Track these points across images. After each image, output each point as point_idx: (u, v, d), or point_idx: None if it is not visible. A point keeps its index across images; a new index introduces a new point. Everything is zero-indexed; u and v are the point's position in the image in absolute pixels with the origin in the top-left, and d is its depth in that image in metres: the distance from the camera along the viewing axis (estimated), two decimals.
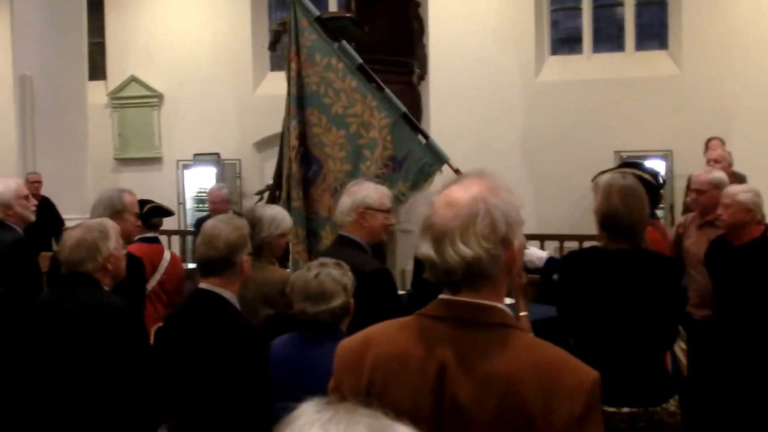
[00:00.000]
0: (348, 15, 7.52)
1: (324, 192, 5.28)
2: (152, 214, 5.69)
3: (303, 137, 5.34)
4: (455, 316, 1.81)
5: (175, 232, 12.08)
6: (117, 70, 15.10)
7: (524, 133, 12.42)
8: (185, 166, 14.14)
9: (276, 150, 12.03)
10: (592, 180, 4.29)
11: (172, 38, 14.57)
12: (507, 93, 12.37)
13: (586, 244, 7.02)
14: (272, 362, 3.24)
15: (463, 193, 1.81)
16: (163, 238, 11.41)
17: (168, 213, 5.88)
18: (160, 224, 5.86)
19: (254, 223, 3.99)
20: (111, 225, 3.57)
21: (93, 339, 3.27)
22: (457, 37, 12.10)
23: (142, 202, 5.37)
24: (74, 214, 8.83)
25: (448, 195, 1.82)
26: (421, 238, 1.83)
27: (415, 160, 5.15)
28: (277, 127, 11.70)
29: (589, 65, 12.66)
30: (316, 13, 5.48)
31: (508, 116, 12.34)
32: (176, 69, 14.49)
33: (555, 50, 13.00)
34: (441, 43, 11.40)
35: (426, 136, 5.30)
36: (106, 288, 3.45)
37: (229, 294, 3.30)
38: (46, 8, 10.22)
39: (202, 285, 3.32)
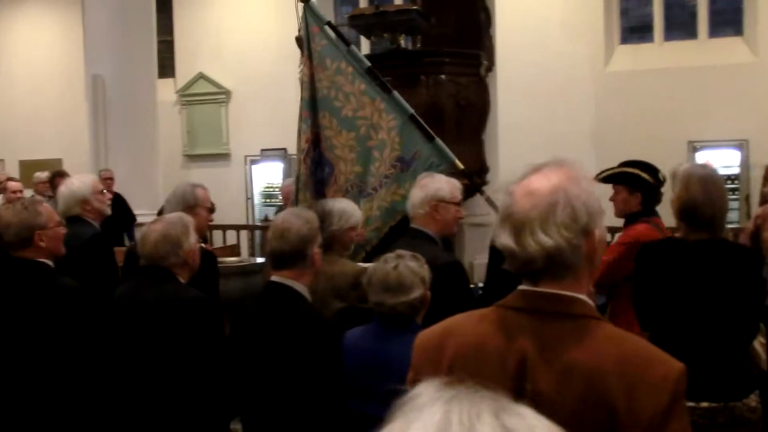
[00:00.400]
0: (414, 7, 7.46)
1: (336, 193, 5.32)
2: None
3: (317, 140, 5.44)
4: (536, 307, 1.77)
5: (243, 227, 12.18)
6: (185, 67, 15.30)
7: (594, 124, 12.23)
8: (253, 162, 14.26)
9: None
10: (596, 177, 4.32)
11: (239, 35, 14.71)
12: (576, 84, 12.20)
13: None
14: (346, 355, 3.22)
15: (543, 182, 1.77)
16: (232, 233, 11.60)
17: None
18: None
19: (324, 216, 3.97)
20: (189, 220, 3.63)
21: (170, 331, 3.31)
22: (524, 27, 11.96)
23: None
24: (145, 210, 8.95)
25: (528, 184, 1.78)
26: (500, 227, 1.79)
27: (422, 161, 5.20)
28: None
29: (660, 54, 12.41)
30: (326, 19, 5.63)
31: (578, 107, 12.17)
32: (243, 65, 14.61)
33: (625, 39, 12.78)
34: (508, 34, 11.26)
35: (432, 137, 5.32)
36: (183, 281, 3.49)
37: (300, 287, 3.30)
38: (116, 8, 10.38)
39: (274, 278, 3.32)
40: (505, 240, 1.77)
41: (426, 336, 1.99)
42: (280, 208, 7.25)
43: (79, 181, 4.92)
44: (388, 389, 3.06)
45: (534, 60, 11.98)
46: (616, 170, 4.64)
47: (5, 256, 3.75)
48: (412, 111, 5.37)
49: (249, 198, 14.00)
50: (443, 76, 7.40)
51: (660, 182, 4.52)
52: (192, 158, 15.00)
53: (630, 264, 3.88)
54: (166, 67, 14.66)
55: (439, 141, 5.32)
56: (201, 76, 14.98)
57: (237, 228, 11.73)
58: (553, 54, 12.12)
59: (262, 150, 14.25)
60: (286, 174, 13.73)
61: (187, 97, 15.12)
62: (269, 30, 14.48)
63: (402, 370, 3.06)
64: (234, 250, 9.86)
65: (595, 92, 12.22)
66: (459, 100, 7.39)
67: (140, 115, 10.44)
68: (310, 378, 3.13)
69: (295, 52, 14.48)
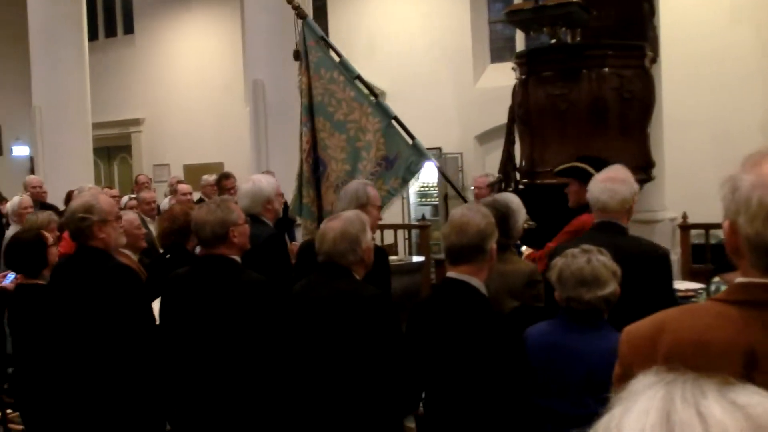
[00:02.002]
0: (575, 0, 7.25)
1: (328, 189, 5.88)
2: None
3: (314, 142, 5.99)
4: (762, 300, 1.68)
5: (400, 226, 12.20)
6: None
7: (764, 117, 11.58)
8: None
9: (498, 143, 11.95)
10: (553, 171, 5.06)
11: (393, 36, 14.79)
12: (745, 74, 11.61)
13: None
14: (530, 351, 3.19)
15: None
16: (389, 232, 11.64)
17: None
18: None
19: (508, 213, 4.03)
20: (366, 218, 3.67)
21: (349, 328, 3.34)
22: (689, 16, 11.48)
23: None
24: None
25: None
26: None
27: (403, 159, 5.76)
28: (498, 120, 11.68)
29: None
30: (321, 33, 6.26)
31: (747, 99, 11.57)
32: (397, 66, 14.69)
33: None
34: (673, 24, 10.84)
35: (412, 137, 5.87)
36: (359, 278, 3.53)
37: (477, 282, 3.28)
38: (275, 14, 10.58)
39: (451, 274, 3.31)
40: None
41: (636, 331, 1.93)
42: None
43: (267, 181, 5.10)
44: (576, 385, 2.95)
45: (700, 50, 11.49)
46: (569, 165, 5.22)
47: (181, 252, 3.86)
48: (394, 114, 5.93)
49: (404, 197, 14.02)
50: (606, 69, 7.16)
51: None
52: None
53: None
54: None
55: (417, 141, 5.87)
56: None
57: (394, 227, 11.76)
58: (720, 43, 11.58)
59: None
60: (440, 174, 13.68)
61: None
62: (422, 29, 14.50)
63: (590, 365, 2.99)
64: (391, 249, 9.88)
65: (764, 83, 11.56)
66: (623, 93, 7.14)
67: (299, 118, 10.57)
68: (492, 374, 3.11)
69: (450, 51, 14.50)
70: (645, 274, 3.46)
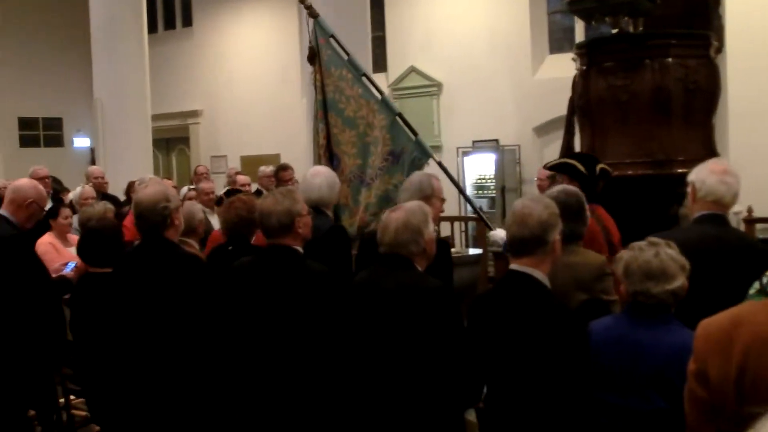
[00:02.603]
0: None
1: (342, 183, 5.83)
2: None
3: (329, 137, 6.21)
4: None
5: (456, 219, 12.15)
6: (397, 61, 15.48)
7: None
8: (465, 153, 14.21)
9: (556, 135, 11.81)
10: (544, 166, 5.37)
11: (450, 27, 14.71)
12: None
13: None
14: (594, 345, 3.13)
15: None
16: (446, 224, 11.59)
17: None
18: None
19: (576, 203, 3.97)
20: (428, 209, 3.62)
21: (410, 319, 3.31)
22: (755, 5, 11.18)
23: (230, 193, 6.67)
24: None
25: None
26: None
27: (408, 154, 5.97)
28: (557, 111, 11.53)
29: None
30: (331, 31, 6.41)
31: None
32: (454, 57, 14.60)
33: None
34: (738, 12, 10.60)
35: (415, 134, 6.09)
36: (420, 270, 3.49)
37: (540, 275, 3.23)
38: (332, 7, 10.56)
39: (513, 266, 3.27)
40: None
41: (711, 325, 1.92)
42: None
43: (332, 174, 5.09)
44: (642, 380, 2.89)
45: (766, 40, 11.16)
46: (560, 161, 5.35)
47: (244, 244, 3.86)
48: (398, 111, 6.15)
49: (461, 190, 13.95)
50: (670, 59, 7.01)
51: (594, 174, 5.11)
52: None
53: None
54: (379, 61, 14.85)
55: (420, 137, 6.09)
56: (412, 70, 15.12)
57: (450, 219, 11.72)
58: None
59: (474, 141, 14.18)
60: (499, 165, 13.58)
61: (399, 91, 15.29)
62: (480, 20, 14.39)
63: (657, 361, 2.93)
64: (448, 241, 9.82)
65: None
66: (687, 83, 6.98)
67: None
68: (555, 369, 3.06)
69: (508, 42, 14.40)
70: (748, 268, 3.34)
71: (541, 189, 7.01)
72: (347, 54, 6.33)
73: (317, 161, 6.23)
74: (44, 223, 7.53)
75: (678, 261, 3.04)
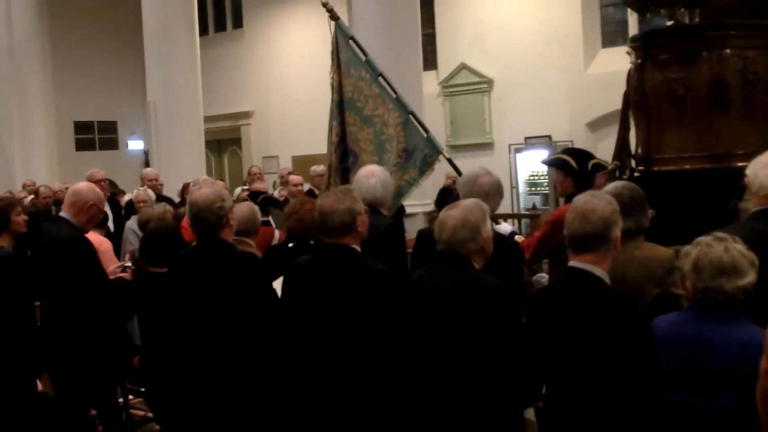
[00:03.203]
0: None
1: None
2: (266, 203, 7.40)
3: (344, 135, 6.47)
4: None
5: (509, 216, 12.06)
6: (448, 58, 15.43)
7: None
8: (517, 150, 14.11)
9: (609, 130, 11.65)
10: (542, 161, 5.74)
11: (500, 23, 14.62)
12: None
13: None
14: (659, 342, 3.07)
15: None
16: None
17: (277, 203, 7.35)
18: (271, 211, 7.51)
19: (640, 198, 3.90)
20: (486, 207, 3.58)
21: (470, 317, 3.28)
22: None
23: (253, 195, 7.19)
24: (414, 201, 9.03)
25: None
26: None
27: (419, 152, 6.23)
28: (610, 106, 11.38)
29: None
30: (351, 33, 6.76)
31: None
32: (505, 53, 14.51)
33: None
34: None
35: (426, 131, 6.29)
36: (477, 267, 3.46)
37: (601, 272, 3.17)
38: (382, 5, 10.60)
39: (573, 263, 3.22)
40: None
41: None
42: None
43: (386, 174, 5.13)
44: (711, 378, 2.81)
45: None
46: (555, 156, 5.60)
47: (304, 243, 3.85)
48: (411, 109, 6.38)
49: (514, 187, 13.86)
50: (728, 51, 6.82)
51: (586, 169, 5.36)
52: (455, 148, 15.09)
53: (554, 240, 4.57)
54: (429, 59, 14.80)
55: (431, 135, 6.31)
56: (463, 67, 15.06)
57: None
58: None
59: (526, 138, 14.08)
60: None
61: (450, 88, 15.25)
62: (530, 16, 14.28)
63: (727, 358, 2.86)
64: (520, 244, 9.76)
65: None
66: (747, 75, 6.79)
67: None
68: (617, 367, 3.02)
69: (559, 37, 14.27)
70: None
71: (597, 185, 6.92)
72: (365, 55, 6.55)
73: (329, 157, 6.60)
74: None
75: (747, 256, 2.97)
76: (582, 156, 5.54)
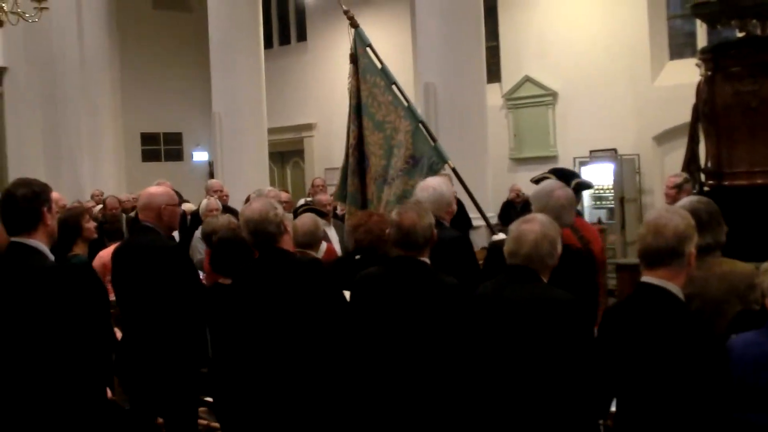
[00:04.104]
0: None
1: (370, 180, 6.58)
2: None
3: (361, 138, 6.69)
4: None
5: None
6: (511, 71, 15.33)
7: None
8: (582, 163, 13.93)
9: (677, 143, 11.46)
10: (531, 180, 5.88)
11: (565, 35, 14.48)
12: None
13: None
14: (735, 361, 3.00)
15: None
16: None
17: (322, 214, 7.24)
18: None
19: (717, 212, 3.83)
20: (556, 223, 3.57)
21: (542, 331, 3.26)
22: None
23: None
24: (476, 214, 8.97)
25: None
26: None
27: (426, 159, 6.37)
28: (678, 119, 11.20)
29: None
30: (368, 41, 6.92)
31: None
32: (570, 66, 14.36)
33: None
34: None
35: (434, 140, 6.45)
36: (545, 281, 3.45)
37: (675, 288, 3.10)
38: (446, 18, 10.57)
39: (645, 278, 3.15)
40: None
41: None
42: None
43: (446, 185, 5.14)
44: None
45: None
46: (542, 175, 5.81)
47: (372, 255, 3.85)
48: (421, 119, 6.61)
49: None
50: None
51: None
52: (519, 161, 14.99)
53: None
54: (492, 71, 14.71)
55: (438, 144, 6.44)
56: (527, 80, 14.94)
57: None
58: None
59: (591, 151, 13.89)
60: (617, 175, 13.26)
61: (514, 101, 15.15)
62: (596, 28, 14.12)
63: None
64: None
65: None
66: None
67: (470, 121, 10.53)
68: (693, 387, 2.95)
69: (626, 49, 14.08)
70: None
71: (668, 197, 6.81)
72: (381, 63, 6.80)
73: (345, 159, 6.83)
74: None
75: None
76: (566, 175, 5.76)
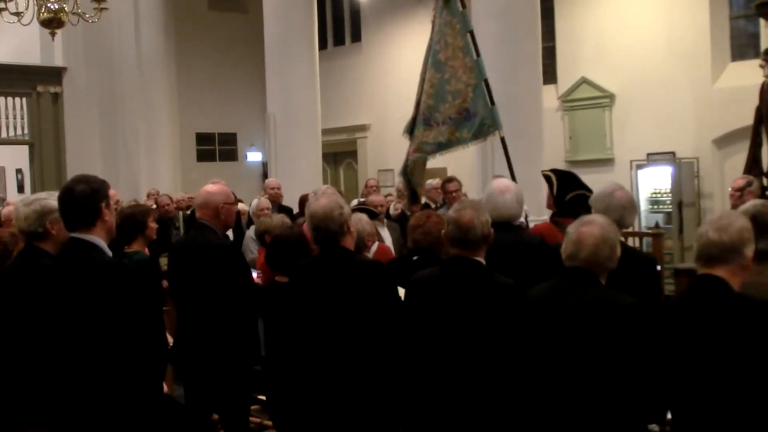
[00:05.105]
0: None
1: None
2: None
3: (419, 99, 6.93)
4: None
5: (631, 234, 11.69)
6: (568, 72, 15.16)
7: None
8: (639, 167, 13.72)
9: (738, 147, 11.22)
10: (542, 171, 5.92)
11: (623, 36, 14.28)
12: None
13: None
14: None
15: None
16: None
17: (374, 214, 7.26)
18: None
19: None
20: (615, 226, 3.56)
21: (603, 335, 3.25)
22: None
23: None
24: (533, 217, 8.91)
25: None
26: None
27: (480, 117, 6.51)
28: (739, 122, 10.97)
29: None
30: None
31: None
32: (627, 67, 14.16)
33: None
34: None
35: (493, 102, 6.54)
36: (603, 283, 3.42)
37: (733, 285, 3.08)
38: (503, 18, 10.50)
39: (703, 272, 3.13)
40: None
41: None
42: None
43: (519, 189, 4.99)
44: None
45: None
46: (545, 172, 5.83)
47: (431, 256, 3.82)
48: (486, 76, 6.61)
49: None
50: None
51: (563, 197, 5.54)
52: (575, 164, 14.78)
53: None
54: (548, 73, 14.57)
55: (496, 108, 6.53)
56: (584, 81, 14.76)
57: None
58: None
59: (649, 154, 13.67)
60: (675, 179, 13.02)
61: (570, 103, 14.98)
62: (655, 29, 13.89)
63: None
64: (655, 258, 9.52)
65: None
66: None
67: (526, 122, 10.44)
68: (759, 386, 2.90)
69: (685, 50, 13.83)
70: None
71: (732, 199, 6.68)
72: (464, 7, 6.87)
73: (418, 103, 6.94)
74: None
75: None
76: (564, 175, 5.86)
